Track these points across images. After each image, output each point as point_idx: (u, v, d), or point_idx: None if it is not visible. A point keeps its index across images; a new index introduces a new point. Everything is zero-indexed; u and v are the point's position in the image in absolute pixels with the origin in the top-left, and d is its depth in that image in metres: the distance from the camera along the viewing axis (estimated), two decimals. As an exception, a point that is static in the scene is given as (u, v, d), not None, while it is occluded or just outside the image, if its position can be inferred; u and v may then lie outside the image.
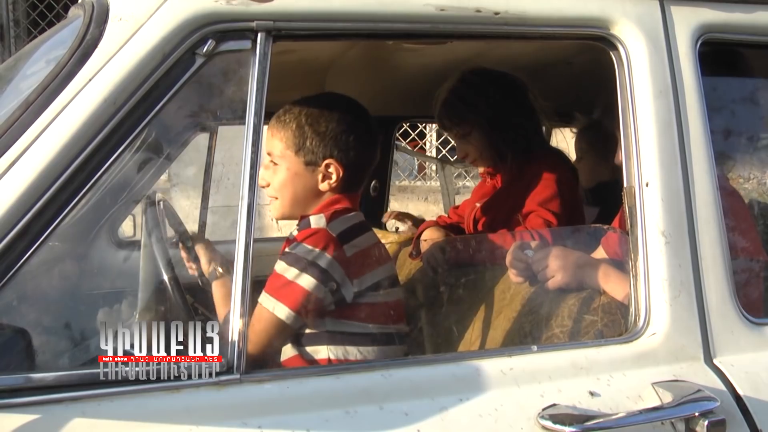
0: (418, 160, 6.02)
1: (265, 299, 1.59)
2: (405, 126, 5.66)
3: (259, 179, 1.60)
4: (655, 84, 1.41)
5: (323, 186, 1.70)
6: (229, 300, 1.21)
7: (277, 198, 1.72)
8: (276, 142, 1.69)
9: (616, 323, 1.44)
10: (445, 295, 1.68)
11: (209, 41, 1.25)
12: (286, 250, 1.64)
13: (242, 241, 1.20)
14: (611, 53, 1.44)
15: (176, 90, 1.24)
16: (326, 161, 1.68)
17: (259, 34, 1.26)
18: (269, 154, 1.71)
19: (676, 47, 1.45)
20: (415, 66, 2.16)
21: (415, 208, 5.92)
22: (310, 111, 1.69)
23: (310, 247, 1.60)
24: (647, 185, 1.38)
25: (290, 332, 1.62)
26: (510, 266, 1.61)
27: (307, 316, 1.60)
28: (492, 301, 1.72)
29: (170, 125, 1.54)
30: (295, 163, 1.69)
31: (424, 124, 5.74)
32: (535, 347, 1.30)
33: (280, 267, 1.61)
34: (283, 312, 1.57)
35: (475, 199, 2.30)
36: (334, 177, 1.69)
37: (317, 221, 1.67)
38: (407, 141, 5.76)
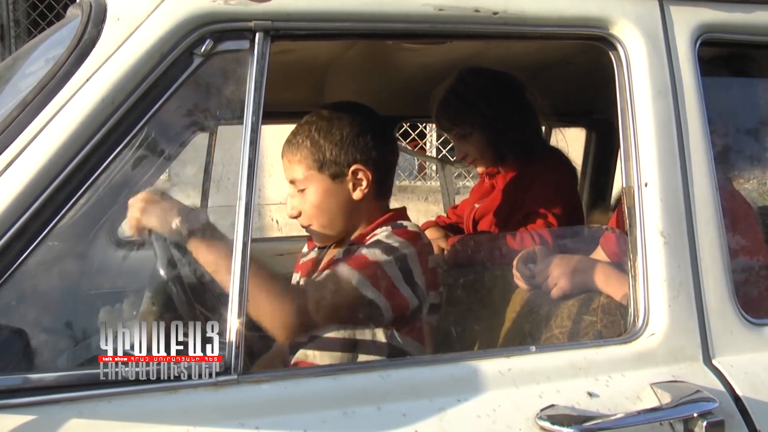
0: (418, 160, 6.04)
1: (347, 272, 1.54)
2: (405, 126, 5.66)
3: (288, 209, 1.64)
4: (654, 84, 1.42)
5: (356, 194, 1.68)
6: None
7: (311, 225, 1.69)
8: (295, 167, 1.67)
9: (616, 324, 1.44)
10: (444, 295, 1.68)
11: (207, 41, 1.25)
12: (377, 239, 1.61)
13: (240, 241, 1.20)
14: (610, 53, 1.44)
15: (174, 90, 1.25)
16: (352, 168, 1.67)
17: (257, 34, 1.26)
18: (292, 182, 1.69)
19: (676, 47, 1.45)
20: (414, 65, 2.16)
21: (415, 207, 5.92)
22: (319, 125, 1.68)
23: (406, 242, 1.59)
24: (646, 185, 1.38)
25: (364, 316, 1.55)
26: (516, 278, 1.62)
27: (393, 315, 1.54)
28: (491, 302, 1.72)
29: (169, 125, 1.54)
30: (321, 180, 1.67)
31: (424, 124, 5.74)
32: (533, 348, 1.31)
33: (370, 251, 1.57)
34: (371, 292, 1.51)
35: (474, 199, 2.30)
36: (364, 182, 1.67)
37: (411, 224, 1.67)
38: (407, 141, 5.75)
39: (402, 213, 1.76)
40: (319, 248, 1.84)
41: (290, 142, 1.69)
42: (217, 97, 1.34)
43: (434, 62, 2.09)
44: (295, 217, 1.69)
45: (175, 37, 1.23)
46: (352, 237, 1.70)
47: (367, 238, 1.63)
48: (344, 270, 1.52)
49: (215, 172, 2.70)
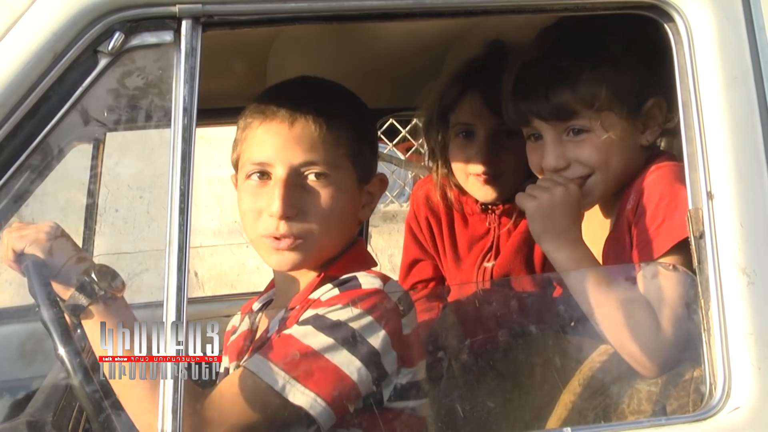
0: (412, 172, 5.72)
1: (266, 371, 1.62)
2: (392, 121, 5.54)
3: (279, 206, 1.70)
4: (727, 68, 1.56)
5: (364, 213, 1.87)
6: None
7: (301, 239, 1.77)
8: (325, 144, 1.78)
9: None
10: (445, 363, 1.79)
11: (116, 34, 1.39)
12: (315, 312, 1.69)
13: (173, 304, 1.35)
14: (666, 27, 1.59)
15: (74, 101, 1.39)
16: (379, 175, 1.88)
17: (184, 22, 1.41)
18: (310, 164, 1.78)
19: (760, 15, 1.59)
20: (397, 38, 2.26)
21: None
22: (358, 104, 1.88)
23: (360, 311, 1.67)
24: (720, 205, 1.52)
25: None
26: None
27: (338, 414, 1.63)
28: (514, 373, 1.82)
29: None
30: (350, 177, 1.83)
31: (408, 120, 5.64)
32: (568, 429, 1.40)
33: (303, 331, 1.66)
34: (302, 397, 1.60)
35: (474, 254, 2.41)
36: (375, 199, 1.88)
37: (368, 280, 1.75)
38: (395, 143, 5.57)
39: (361, 251, 1.91)
40: (251, 315, 1.99)
41: (325, 105, 1.80)
42: (130, 108, 1.43)
43: (426, 31, 2.19)
44: (287, 219, 1.75)
45: (71, 30, 1.38)
46: (302, 290, 1.83)
47: (308, 300, 1.74)
48: (264, 369, 1.62)
49: (100, 201, 2.66)
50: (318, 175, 1.76)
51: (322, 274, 1.80)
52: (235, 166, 1.89)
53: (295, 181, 1.75)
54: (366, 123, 1.93)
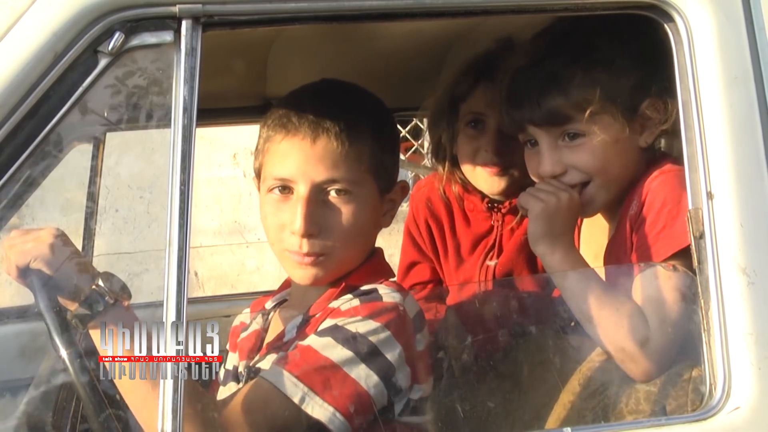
0: (412, 173, 5.69)
1: (284, 382, 1.63)
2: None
3: (301, 224, 1.71)
4: (727, 68, 1.57)
5: (384, 221, 1.89)
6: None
7: (324, 254, 1.78)
8: (347, 160, 1.79)
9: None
10: (446, 362, 1.79)
11: (116, 34, 1.40)
12: (334, 322, 1.70)
13: (173, 304, 1.35)
14: (666, 26, 1.60)
15: (74, 101, 1.40)
16: (401, 183, 1.90)
17: (184, 22, 1.42)
18: (333, 181, 1.78)
19: (760, 16, 1.61)
20: (397, 38, 2.28)
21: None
22: (379, 114, 1.89)
23: (379, 324, 1.68)
24: (720, 205, 1.53)
25: None
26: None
27: (353, 427, 1.63)
28: (515, 372, 1.83)
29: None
30: (372, 191, 1.84)
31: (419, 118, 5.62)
32: (568, 429, 1.40)
33: (322, 343, 1.67)
34: (320, 410, 1.60)
35: (477, 253, 2.42)
36: (395, 206, 1.89)
37: (388, 293, 1.76)
38: None
39: (380, 261, 1.92)
40: (264, 314, 2.00)
41: (348, 119, 1.80)
42: (131, 108, 1.44)
43: (426, 31, 2.21)
44: (309, 237, 1.76)
45: (72, 31, 1.39)
46: (321, 297, 1.84)
47: (327, 309, 1.75)
48: (282, 380, 1.62)
49: (100, 200, 2.66)
50: (340, 192, 1.77)
51: (343, 284, 1.80)
52: (257, 174, 1.90)
53: (317, 198, 1.76)
54: (388, 132, 1.93)
